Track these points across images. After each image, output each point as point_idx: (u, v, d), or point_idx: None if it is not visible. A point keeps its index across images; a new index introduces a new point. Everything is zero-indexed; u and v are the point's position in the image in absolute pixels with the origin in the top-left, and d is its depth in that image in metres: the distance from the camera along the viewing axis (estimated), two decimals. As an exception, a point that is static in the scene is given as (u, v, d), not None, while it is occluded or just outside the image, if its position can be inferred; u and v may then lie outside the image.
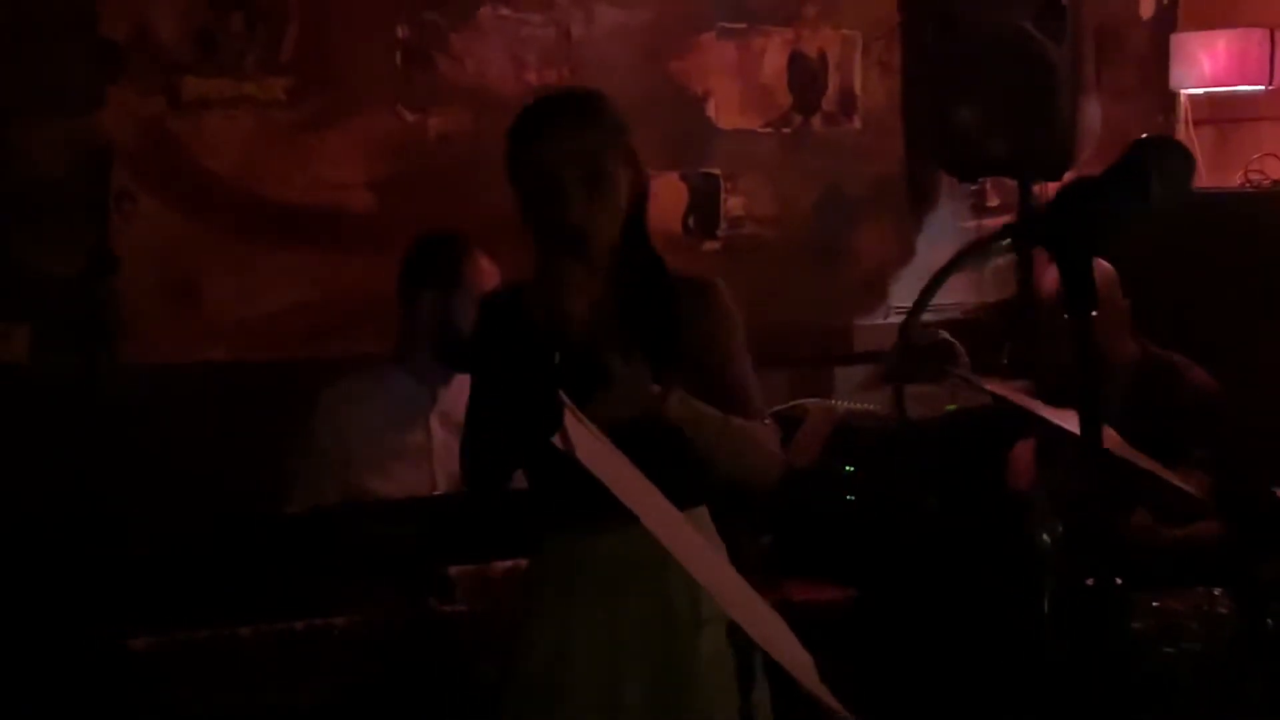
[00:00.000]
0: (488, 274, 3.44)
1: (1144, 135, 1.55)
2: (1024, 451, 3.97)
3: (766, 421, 2.58)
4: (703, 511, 2.56)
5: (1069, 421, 2.58)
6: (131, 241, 3.84)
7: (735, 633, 2.12)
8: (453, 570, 3.04)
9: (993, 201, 5.16)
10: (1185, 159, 1.56)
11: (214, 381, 3.88)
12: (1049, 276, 3.93)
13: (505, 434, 2.52)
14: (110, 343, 3.81)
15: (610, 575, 2.48)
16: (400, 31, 4.19)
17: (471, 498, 3.05)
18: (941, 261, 1.66)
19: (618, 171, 2.42)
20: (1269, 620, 2.70)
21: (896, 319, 4.92)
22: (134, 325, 3.85)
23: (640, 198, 2.50)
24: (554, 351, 2.32)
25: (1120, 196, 1.53)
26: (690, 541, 2.00)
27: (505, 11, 4.34)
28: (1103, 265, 3.80)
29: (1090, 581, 1.46)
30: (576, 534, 2.48)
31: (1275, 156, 4.88)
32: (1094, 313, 3.84)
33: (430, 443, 3.45)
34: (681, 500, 2.27)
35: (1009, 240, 1.55)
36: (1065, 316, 1.51)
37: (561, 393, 2.04)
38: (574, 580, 2.52)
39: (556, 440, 1.91)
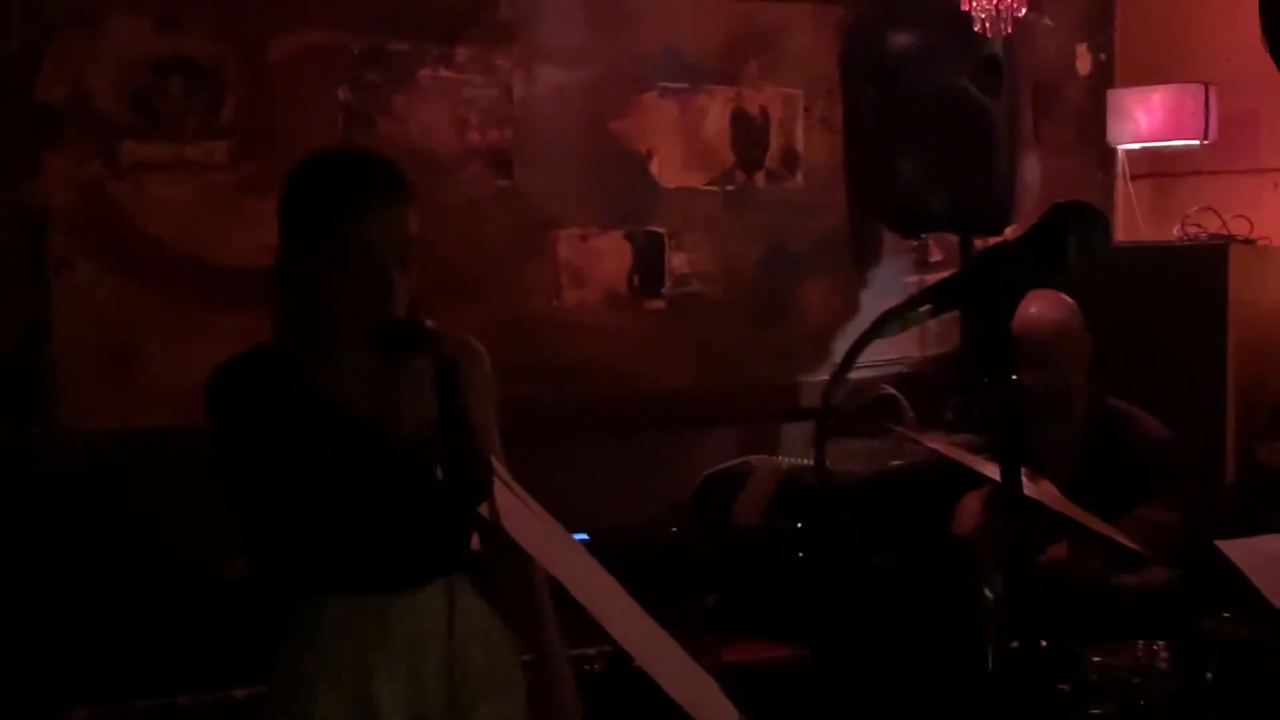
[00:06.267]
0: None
1: (1064, 201, 1.56)
2: (971, 501, 3.96)
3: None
4: None
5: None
6: (70, 308, 3.82)
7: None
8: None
9: (935, 256, 5.19)
10: (1103, 224, 1.57)
11: (153, 447, 3.84)
12: None
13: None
14: (47, 410, 3.78)
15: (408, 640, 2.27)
16: (341, 94, 4.20)
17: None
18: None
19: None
20: (1209, 674, 2.71)
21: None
22: (72, 391, 3.82)
23: None
24: None
25: (1037, 262, 1.55)
26: (620, 607, 2.00)
27: (446, 73, 4.34)
28: (1065, 300, 3.75)
29: (1015, 644, 1.46)
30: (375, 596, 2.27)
31: (1212, 210, 4.93)
32: (1053, 352, 3.75)
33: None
34: None
35: (928, 306, 1.55)
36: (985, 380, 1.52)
37: (494, 459, 2.04)
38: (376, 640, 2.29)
39: (483, 508, 1.90)
